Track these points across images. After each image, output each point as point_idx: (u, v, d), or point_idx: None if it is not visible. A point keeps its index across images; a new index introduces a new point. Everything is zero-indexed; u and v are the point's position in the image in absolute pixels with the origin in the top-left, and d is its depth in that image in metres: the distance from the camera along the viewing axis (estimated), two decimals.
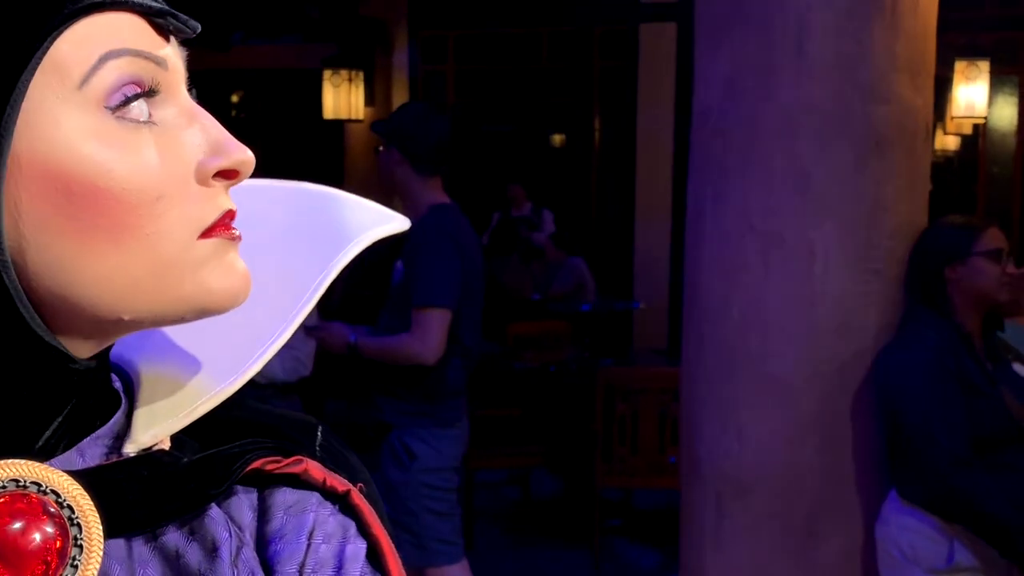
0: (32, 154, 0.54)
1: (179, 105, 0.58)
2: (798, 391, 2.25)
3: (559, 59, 7.75)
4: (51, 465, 0.58)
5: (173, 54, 0.58)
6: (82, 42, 0.55)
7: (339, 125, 7.35)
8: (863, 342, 2.24)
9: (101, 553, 0.57)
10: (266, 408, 0.71)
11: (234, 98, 8.68)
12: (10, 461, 0.56)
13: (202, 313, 0.60)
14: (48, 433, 0.59)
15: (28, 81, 0.54)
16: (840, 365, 2.24)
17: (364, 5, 7.32)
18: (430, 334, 2.74)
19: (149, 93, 0.56)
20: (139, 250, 0.56)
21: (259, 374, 0.76)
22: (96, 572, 0.56)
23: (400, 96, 7.50)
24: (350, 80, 6.93)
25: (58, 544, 0.56)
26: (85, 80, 0.54)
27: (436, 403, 2.85)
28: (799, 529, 2.28)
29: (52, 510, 0.56)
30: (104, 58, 0.55)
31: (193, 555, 0.61)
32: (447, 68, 7.84)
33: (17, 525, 0.55)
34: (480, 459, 4.23)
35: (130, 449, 0.62)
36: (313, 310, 0.76)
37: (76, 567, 0.56)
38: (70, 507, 0.57)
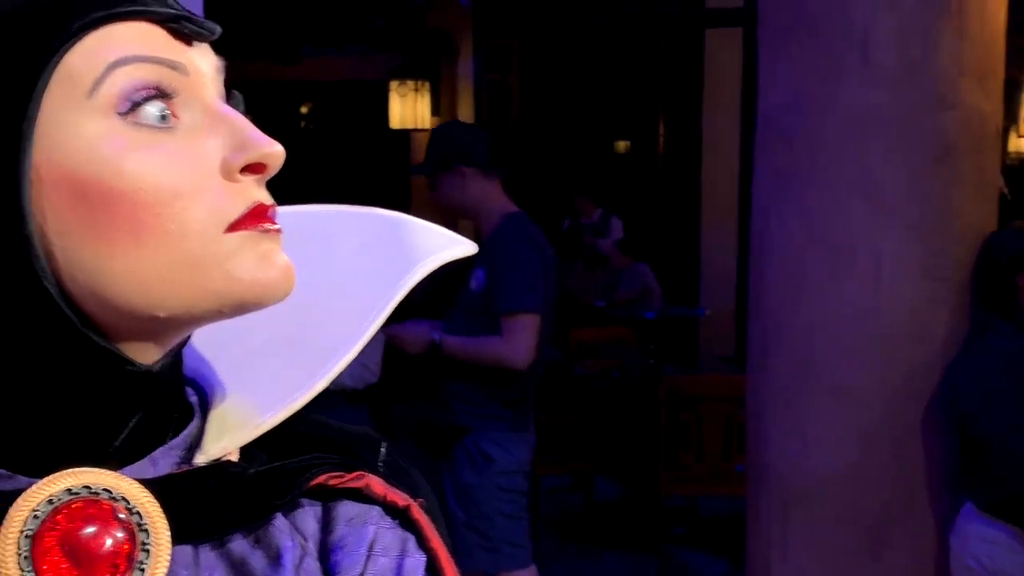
0: (49, 163, 0.56)
1: (204, 105, 0.59)
2: (865, 399, 2.23)
3: (623, 65, 7.74)
4: (123, 473, 0.60)
5: (197, 57, 0.60)
6: (91, 53, 0.56)
7: (405, 134, 7.42)
8: (931, 350, 2.21)
9: (168, 558, 0.59)
10: (333, 423, 0.73)
11: (303, 109, 8.81)
12: (83, 469, 0.59)
13: (239, 306, 0.60)
14: (118, 442, 0.61)
15: (42, 94, 0.56)
16: (908, 373, 2.22)
17: (430, 16, 7.39)
18: (522, 339, 2.76)
19: (164, 96, 0.57)
20: (161, 247, 0.57)
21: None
22: (164, 573, 0.59)
23: (466, 105, 7.55)
24: (416, 90, 7.00)
25: (127, 548, 0.58)
26: (94, 88, 0.56)
27: (513, 407, 2.87)
28: (867, 538, 2.26)
29: (122, 516, 0.59)
30: (112, 66, 0.56)
31: (257, 562, 0.64)
32: (511, 77, 7.87)
33: (89, 530, 0.58)
34: (543, 465, 4.24)
35: (200, 460, 0.64)
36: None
37: (143, 571, 0.58)
38: (139, 513, 0.59)
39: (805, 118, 2.25)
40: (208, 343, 0.70)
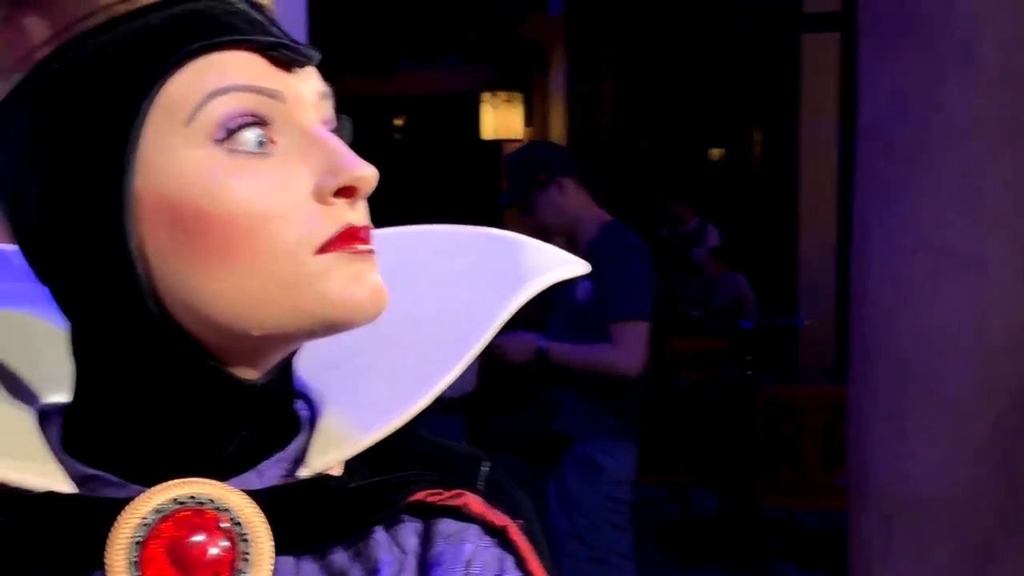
0: (149, 189, 0.58)
1: (301, 130, 0.60)
2: (971, 410, 2.17)
3: (717, 72, 7.67)
4: (229, 484, 0.62)
5: (297, 82, 0.61)
6: (191, 82, 0.58)
7: (497, 145, 7.47)
8: None
9: (269, 568, 0.61)
10: (438, 440, 0.74)
11: (397, 122, 8.93)
12: (190, 479, 0.61)
13: (329, 326, 0.61)
14: (226, 453, 0.63)
15: (143, 121, 0.58)
16: (1016, 382, 2.15)
17: (522, 28, 7.43)
18: (634, 346, 2.77)
19: (261, 123, 0.59)
20: (253, 269, 0.59)
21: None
22: None
23: (558, 115, 7.56)
24: (508, 101, 7.04)
25: (229, 557, 0.60)
26: (192, 117, 0.58)
27: (621, 416, 2.87)
28: (973, 552, 2.20)
29: (225, 526, 0.61)
30: (210, 96, 0.58)
31: (356, 575, 0.65)
32: (604, 86, 7.86)
33: (193, 538, 0.60)
34: (640, 475, 4.22)
35: (303, 473, 0.66)
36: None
37: None
38: (242, 523, 0.61)
39: (908, 123, 2.20)
40: (319, 358, 0.71)
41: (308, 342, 0.65)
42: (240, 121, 0.58)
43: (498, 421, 5.19)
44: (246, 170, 0.58)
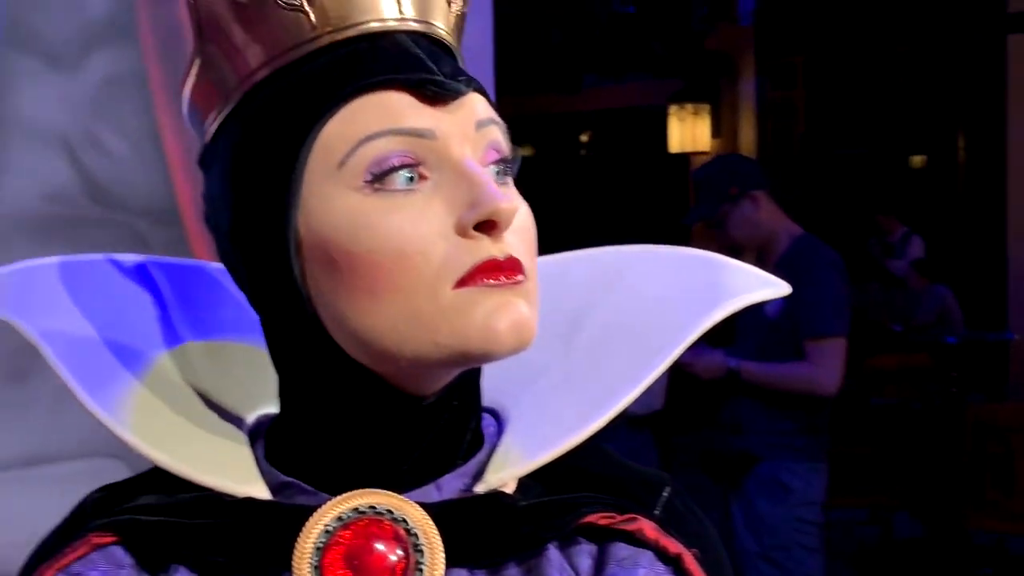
0: (306, 228, 0.62)
1: (451, 164, 0.62)
2: None
3: (917, 76, 7.37)
4: (408, 496, 0.65)
5: (447, 116, 0.62)
6: (343, 128, 0.61)
7: (684, 159, 7.40)
8: None
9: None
10: (622, 462, 0.74)
11: (583, 138, 8.97)
12: (371, 491, 0.64)
13: (469, 359, 0.63)
14: (406, 467, 0.66)
15: (304, 165, 0.62)
16: None
17: (709, 39, 7.35)
18: (832, 363, 2.70)
19: (411, 163, 0.61)
20: (394, 304, 0.61)
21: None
22: None
23: (747, 125, 7.43)
24: (695, 113, 6.98)
25: (403, 566, 0.63)
26: (343, 162, 0.61)
27: (813, 435, 2.79)
28: None
29: (401, 536, 0.63)
30: (362, 141, 0.61)
31: None
32: (795, 94, 7.68)
33: (371, 546, 0.63)
34: (837, 496, 4.07)
35: (479, 489, 0.67)
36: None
37: None
38: (417, 535, 0.64)
39: None
40: (510, 374, 0.72)
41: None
42: (389, 164, 0.61)
43: (683, 439, 5.13)
44: (392, 209, 0.61)
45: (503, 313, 0.61)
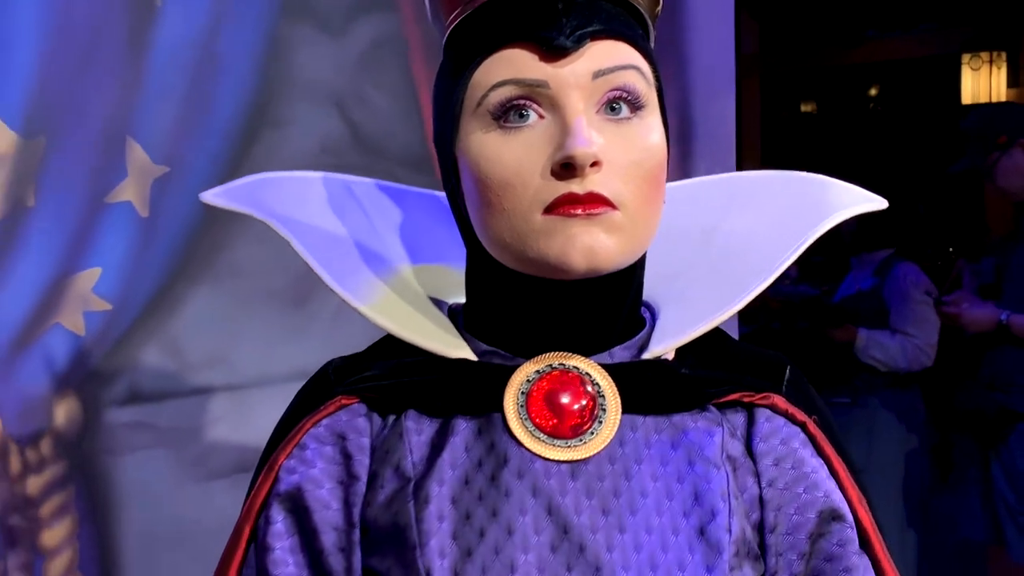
0: (458, 151, 0.83)
1: (559, 110, 0.79)
2: None
3: None
4: (590, 359, 0.85)
5: (562, 69, 0.79)
6: (484, 74, 0.80)
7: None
8: None
9: (617, 419, 0.82)
10: (747, 346, 0.92)
11: (872, 91, 8.62)
12: (562, 353, 0.85)
13: (549, 271, 0.80)
14: (578, 341, 0.85)
15: (462, 102, 0.82)
16: None
17: None
18: None
19: (527, 105, 0.79)
20: (501, 219, 0.80)
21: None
22: (614, 428, 0.82)
23: None
24: (991, 62, 6.56)
25: (589, 406, 0.82)
26: (480, 102, 0.80)
27: None
28: None
29: (587, 387, 0.83)
30: (492, 88, 0.79)
31: (694, 435, 0.82)
32: None
33: (563, 392, 0.83)
34: None
35: (646, 356, 0.86)
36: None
37: (601, 423, 0.82)
38: (598, 386, 0.83)
39: None
40: (658, 271, 0.90)
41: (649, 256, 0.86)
42: (508, 105, 0.79)
43: (948, 395, 4.90)
44: (507, 144, 0.79)
45: (576, 240, 0.78)
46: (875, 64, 8.01)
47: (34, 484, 1.54)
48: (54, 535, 1.56)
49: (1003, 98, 6.56)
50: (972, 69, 6.64)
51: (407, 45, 1.79)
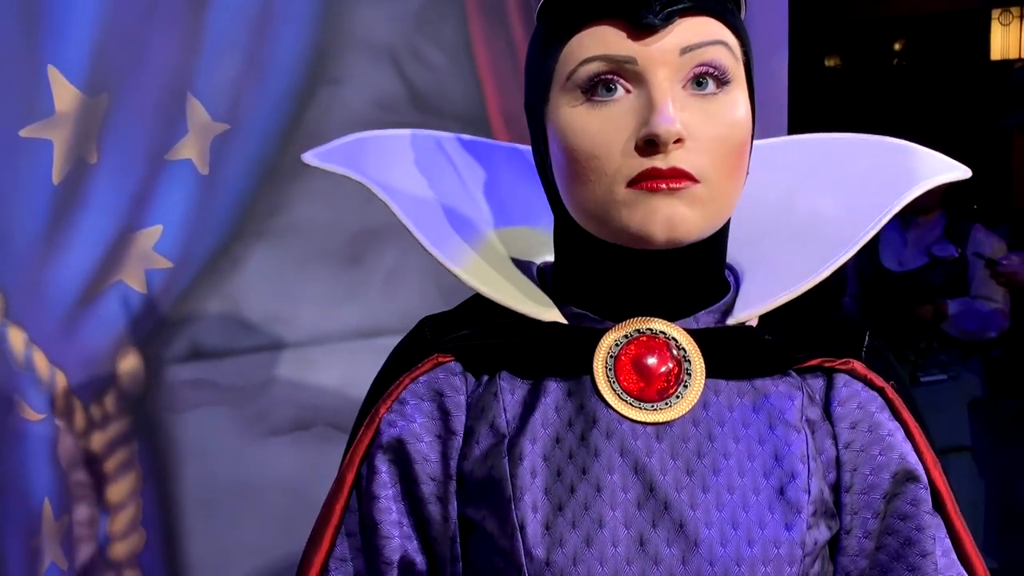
0: (549, 124, 0.84)
1: (646, 86, 0.80)
2: None
3: None
4: (675, 324, 0.87)
5: (649, 46, 0.79)
6: (574, 49, 0.81)
7: (1007, 66, 6.90)
8: None
9: (702, 383, 0.84)
10: (830, 312, 0.92)
11: (896, 46, 8.52)
12: (648, 318, 0.86)
13: (631, 241, 0.82)
14: (664, 306, 0.87)
15: (552, 73, 0.83)
16: None
17: None
18: None
19: (614, 80, 0.80)
20: (586, 190, 0.82)
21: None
22: (698, 392, 0.84)
23: None
24: (1021, 17, 6.48)
25: (675, 371, 0.85)
26: (568, 77, 0.81)
27: None
28: None
29: (673, 352, 0.85)
30: (581, 63, 0.81)
31: (775, 399, 0.84)
32: None
33: (650, 356, 0.85)
34: None
35: (730, 322, 0.88)
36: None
37: (686, 387, 0.84)
38: (684, 350, 0.85)
39: None
40: (742, 236, 0.91)
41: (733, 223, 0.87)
42: (596, 80, 0.81)
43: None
44: (594, 118, 0.81)
45: (657, 214, 0.80)
46: (900, 18, 7.92)
47: (98, 440, 1.56)
48: (118, 490, 1.58)
49: None
50: (1002, 24, 6.55)
51: (464, 2, 1.77)
